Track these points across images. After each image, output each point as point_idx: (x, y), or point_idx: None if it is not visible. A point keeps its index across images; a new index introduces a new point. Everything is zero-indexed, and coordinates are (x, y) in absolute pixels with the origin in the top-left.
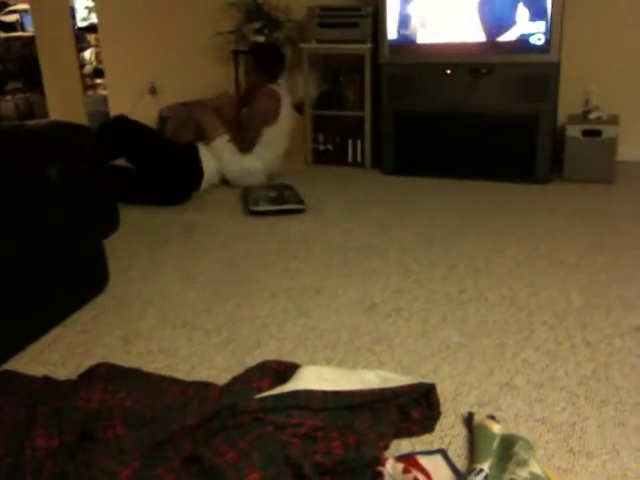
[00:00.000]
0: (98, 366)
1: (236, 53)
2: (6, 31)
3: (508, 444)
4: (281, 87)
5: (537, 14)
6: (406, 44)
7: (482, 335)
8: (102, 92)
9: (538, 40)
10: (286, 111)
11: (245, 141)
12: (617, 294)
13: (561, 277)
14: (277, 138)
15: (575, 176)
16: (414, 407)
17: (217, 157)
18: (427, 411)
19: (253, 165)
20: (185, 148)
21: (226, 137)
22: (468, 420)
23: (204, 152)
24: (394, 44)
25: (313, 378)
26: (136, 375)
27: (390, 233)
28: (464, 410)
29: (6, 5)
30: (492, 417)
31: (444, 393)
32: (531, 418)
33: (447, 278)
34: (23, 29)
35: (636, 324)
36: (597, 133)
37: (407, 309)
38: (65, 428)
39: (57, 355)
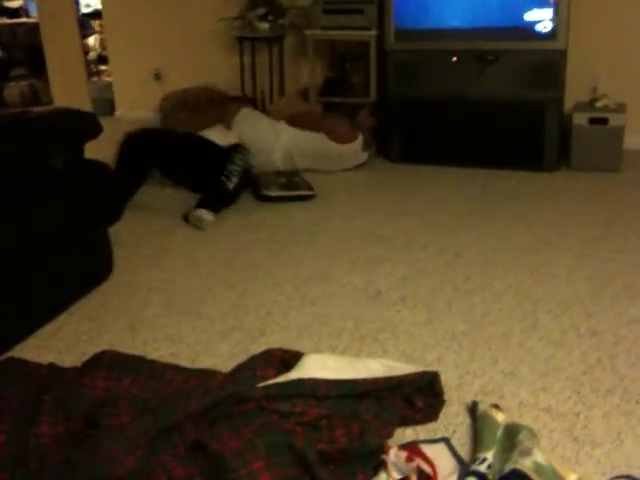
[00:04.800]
0: (103, 353)
1: (241, 40)
2: (11, 17)
3: (512, 433)
4: None
5: (544, 1)
6: (411, 31)
7: (487, 324)
8: (106, 79)
9: (545, 27)
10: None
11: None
12: (623, 283)
13: (567, 265)
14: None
15: (582, 164)
16: (418, 396)
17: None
18: (431, 400)
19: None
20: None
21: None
22: (472, 409)
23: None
24: (399, 31)
25: (317, 366)
26: (140, 363)
27: (396, 221)
28: (468, 399)
29: None
30: (496, 406)
31: (448, 382)
32: (535, 407)
33: (453, 266)
34: (27, 15)
35: (639, 315)
36: (604, 121)
37: (412, 297)
38: (70, 416)
39: (62, 342)
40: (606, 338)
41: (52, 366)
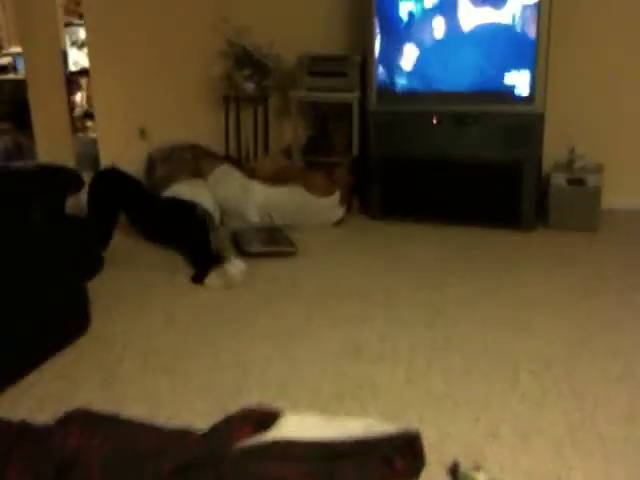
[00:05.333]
0: (75, 412)
1: (226, 99)
2: None
3: None
4: None
5: (522, 65)
6: (393, 93)
7: (467, 383)
8: (92, 135)
9: (523, 91)
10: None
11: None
12: (603, 341)
13: (548, 323)
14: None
15: (559, 224)
16: (398, 457)
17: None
18: (411, 461)
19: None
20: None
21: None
22: (453, 470)
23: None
24: (381, 93)
25: (295, 426)
26: (114, 421)
27: (376, 278)
28: (449, 460)
29: (1, 48)
30: (477, 467)
31: (428, 442)
32: (517, 469)
33: (433, 323)
34: (16, 71)
35: (619, 373)
36: (581, 182)
37: (392, 355)
38: (40, 473)
39: (34, 400)
40: (587, 397)
41: (22, 423)
